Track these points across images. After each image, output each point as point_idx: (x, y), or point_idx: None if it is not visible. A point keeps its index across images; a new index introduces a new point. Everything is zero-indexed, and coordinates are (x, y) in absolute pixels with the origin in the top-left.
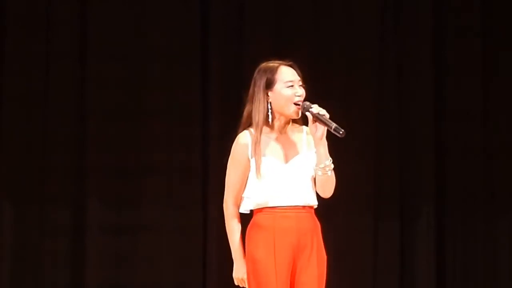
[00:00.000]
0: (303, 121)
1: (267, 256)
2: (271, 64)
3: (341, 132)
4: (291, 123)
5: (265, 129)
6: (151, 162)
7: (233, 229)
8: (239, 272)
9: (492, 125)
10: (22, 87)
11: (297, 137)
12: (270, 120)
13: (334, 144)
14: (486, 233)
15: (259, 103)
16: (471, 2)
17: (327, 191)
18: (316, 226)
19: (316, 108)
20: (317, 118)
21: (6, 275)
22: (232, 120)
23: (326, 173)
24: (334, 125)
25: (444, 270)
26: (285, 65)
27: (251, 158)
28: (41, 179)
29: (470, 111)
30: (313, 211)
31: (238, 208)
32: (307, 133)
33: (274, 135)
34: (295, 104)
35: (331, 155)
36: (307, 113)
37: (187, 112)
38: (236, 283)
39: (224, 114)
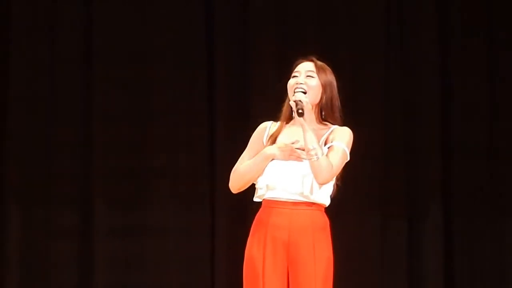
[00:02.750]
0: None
1: (258, 252)
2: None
3: (300, 112)
4: (320, 121)
5: (292, 122)
6: (158, 164)
7: (242, 166)
8: (275, 149)
9: (498, 124)
10: (28, 90)
11: (318, 132)
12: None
13: None
14: (493, 232)
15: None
16: (475, 1)
17: (319, 178)
18: (316, 223)
19: (295, 96)
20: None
21: (15, 279)
22: (238, 121)
23: (312, 158)
24: (297, 107)
25: (452, 270)
26: (306, 60)
27: (264, 144)
28: (48, 182)
29: (476, 110)
30: (317, 207)
31: None
32: (331, 132)
33: (295, 128)
34: (294, 91)
35: None
36: (291, 102)
37: (193, 114)
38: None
39: (230, 115)
